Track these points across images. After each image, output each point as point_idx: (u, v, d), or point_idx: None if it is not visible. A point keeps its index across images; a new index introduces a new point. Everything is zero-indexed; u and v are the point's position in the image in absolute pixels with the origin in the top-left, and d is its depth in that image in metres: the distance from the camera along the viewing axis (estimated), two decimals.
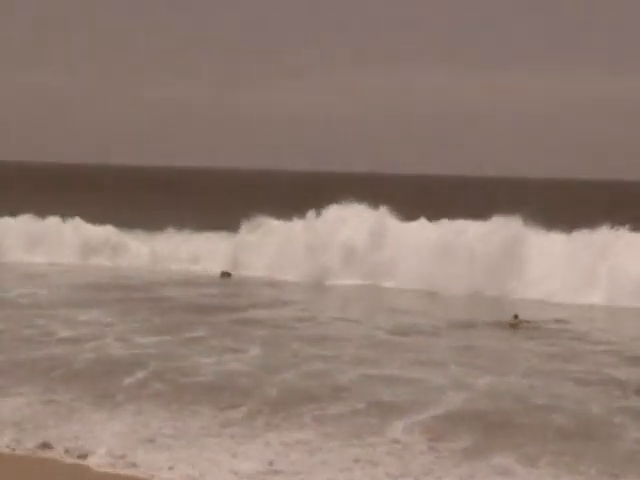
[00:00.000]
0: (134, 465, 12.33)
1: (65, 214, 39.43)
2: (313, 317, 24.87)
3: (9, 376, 16.89)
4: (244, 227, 36.64)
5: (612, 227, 30.79)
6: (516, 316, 24.39)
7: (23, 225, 38.84)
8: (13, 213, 39.80)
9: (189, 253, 36.64)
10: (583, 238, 30.91)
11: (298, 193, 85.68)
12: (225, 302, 27.11)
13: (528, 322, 24.15)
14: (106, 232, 38.29)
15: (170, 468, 12.20)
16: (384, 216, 34.29)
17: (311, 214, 35.23)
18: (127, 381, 16.73)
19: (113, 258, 36.98)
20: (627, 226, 30.74)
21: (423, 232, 33.32)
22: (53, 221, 38.98)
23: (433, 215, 35.03)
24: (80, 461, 12.51)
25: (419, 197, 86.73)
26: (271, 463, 12.48)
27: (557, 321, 25.03)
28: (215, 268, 34.59)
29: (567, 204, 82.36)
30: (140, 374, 17.22)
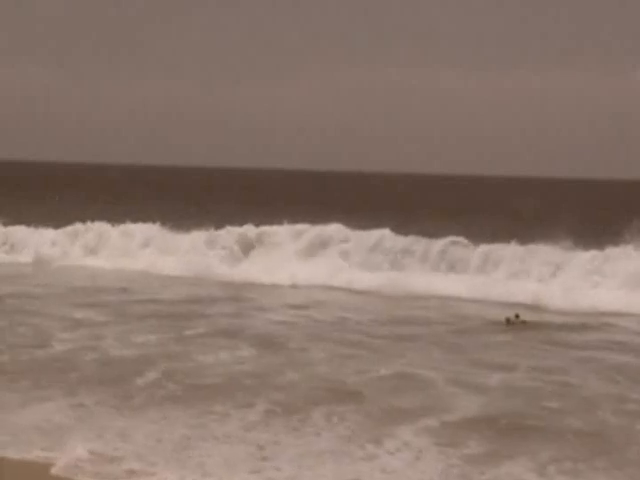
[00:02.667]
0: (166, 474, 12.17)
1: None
2: (286, 316, 24.87)
3: (25, 378, 16.58)
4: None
5: None
6: (517, 315, 24.14)
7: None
8: None
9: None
10: None
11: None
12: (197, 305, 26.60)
13: (525, 322, 23.90)
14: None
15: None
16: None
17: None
18: (140, 382, 16.55)
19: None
20: None
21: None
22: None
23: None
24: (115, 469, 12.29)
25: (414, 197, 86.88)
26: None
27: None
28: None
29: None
30: (151, 375, 17.07)
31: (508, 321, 23.96)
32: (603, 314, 26.09)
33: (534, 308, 27.02)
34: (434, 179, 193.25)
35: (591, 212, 57.12)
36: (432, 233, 34.63)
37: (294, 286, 30.71)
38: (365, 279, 30.67)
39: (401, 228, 35.29)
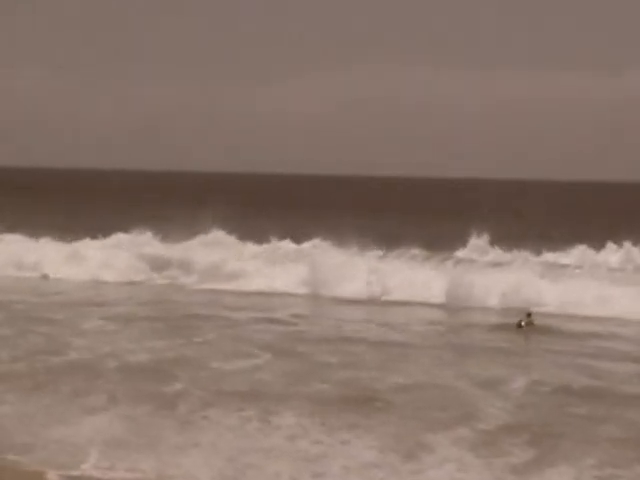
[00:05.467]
0: None
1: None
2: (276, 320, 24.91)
3: (57, 387, 16.37)
4: None
5: None
6: (529, 314, 24.06)
7: None
8: None
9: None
10: None
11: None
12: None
13: (532, 323, 23.87)
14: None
15: None
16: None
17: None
18: (170, 390, 16.41)
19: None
20: None
21: None
22: None
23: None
24: None
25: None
26: None
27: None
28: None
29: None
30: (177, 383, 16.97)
31: (520, 325, 23.82)
32: (609, 319, 25.98)
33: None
34: (432, 182, 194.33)
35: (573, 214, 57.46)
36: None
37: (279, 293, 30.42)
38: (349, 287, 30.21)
39: (397, 230, 35.32)
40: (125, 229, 37.28)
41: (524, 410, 15.71)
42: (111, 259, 33.88)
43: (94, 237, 36.96)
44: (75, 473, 12.29)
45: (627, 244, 35.27)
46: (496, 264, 31.78)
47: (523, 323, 23.78)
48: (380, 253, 32.83)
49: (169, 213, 40.21)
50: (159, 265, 33.46)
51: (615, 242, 35.62)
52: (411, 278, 30.08)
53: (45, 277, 32.85)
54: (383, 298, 29.16)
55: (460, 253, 35.20)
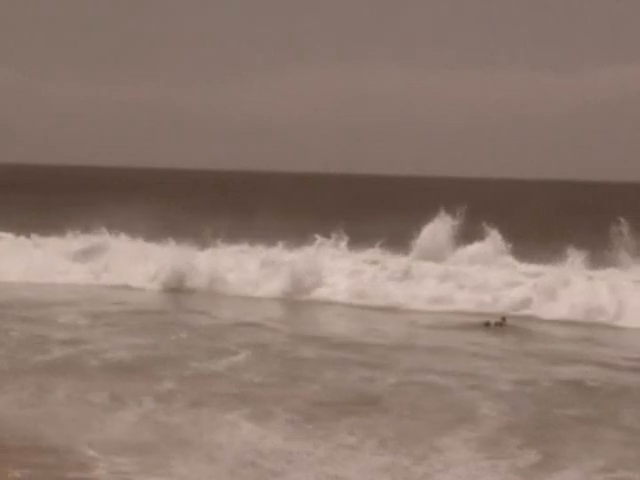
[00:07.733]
0: None
1: None
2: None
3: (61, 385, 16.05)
4: None
5: None
6: (504, 318, 24.19)
7: None
8: None
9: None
10: None
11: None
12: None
13: (502, 323, 23.98)
14: None
15: None
16: None
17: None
18: (162, 389, 16.12)
19: None
20: None
21: None
22: None
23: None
24: None
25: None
26: None
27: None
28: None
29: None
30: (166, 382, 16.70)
31: (488, 324, 23.97)
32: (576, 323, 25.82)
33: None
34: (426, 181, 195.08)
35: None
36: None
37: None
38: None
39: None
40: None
41: (518, 410, 15.64)
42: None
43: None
44: (97, 477, 12.01)
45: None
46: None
47: (493, 323, 23.91)
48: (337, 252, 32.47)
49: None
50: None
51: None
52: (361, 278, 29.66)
53: None
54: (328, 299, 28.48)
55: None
